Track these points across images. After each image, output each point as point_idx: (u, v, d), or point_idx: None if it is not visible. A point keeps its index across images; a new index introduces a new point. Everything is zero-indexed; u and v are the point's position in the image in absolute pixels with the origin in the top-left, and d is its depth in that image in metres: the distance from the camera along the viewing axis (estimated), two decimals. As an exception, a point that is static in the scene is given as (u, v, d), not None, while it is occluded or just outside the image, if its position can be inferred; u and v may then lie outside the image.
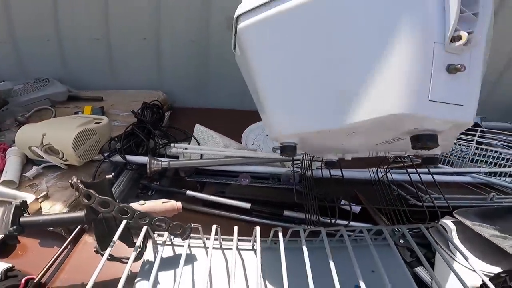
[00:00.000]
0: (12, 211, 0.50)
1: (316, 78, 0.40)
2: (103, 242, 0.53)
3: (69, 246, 0.65)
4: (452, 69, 0.33)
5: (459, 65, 0.32)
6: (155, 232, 0.55)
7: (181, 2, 1.12)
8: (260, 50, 0.43)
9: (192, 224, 0.53)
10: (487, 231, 0.68)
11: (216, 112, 1.24)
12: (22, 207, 0.53)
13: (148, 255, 0.55)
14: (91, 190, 0.46)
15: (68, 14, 1.17)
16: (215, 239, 0.53)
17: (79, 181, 0.48)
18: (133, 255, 0.46)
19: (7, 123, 0.97)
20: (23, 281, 0.55)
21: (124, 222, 0.50)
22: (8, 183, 0.72)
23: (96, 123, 0.83)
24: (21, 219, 0.51)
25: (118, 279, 0.41)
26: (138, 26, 1.19)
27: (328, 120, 0.39)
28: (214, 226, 0.53)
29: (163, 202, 0.57)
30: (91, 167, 0.80)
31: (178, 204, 0.58)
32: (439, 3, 0.32)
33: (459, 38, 0.32)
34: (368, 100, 0.35)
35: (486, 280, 0.44)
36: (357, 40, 0.36)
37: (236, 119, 1.10)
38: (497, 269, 0.58)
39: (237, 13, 0.43)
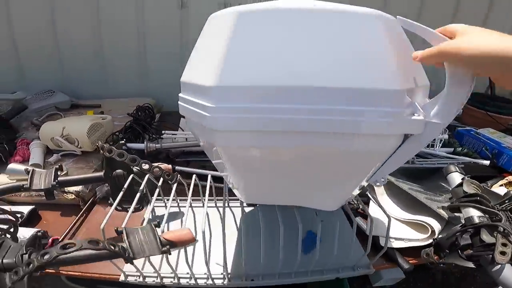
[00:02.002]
0: (53, 172, 0.71)
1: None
2: (116, 196, 0.75)
3: (84, 214, 0.83)
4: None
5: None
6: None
7: (162, 20, 1.39)
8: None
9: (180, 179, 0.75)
10: (406, 186, 0.86)
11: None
12: (59, 170, 0.74)
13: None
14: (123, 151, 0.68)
15: (65, 31, 1.40)
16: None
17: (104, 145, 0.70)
18: (137, 197, 0.68)
19: (23, 126, 1.17)
20: (50, 240, 0.72)
21: (131, 176, 0.72)
22: (35, 166, 0.92)
23: (102, 119, 1.05)
24: (59, 178, 0.72)
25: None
26: (127, 43, 1.43)
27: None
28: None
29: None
30: (98, 154, 1.00)
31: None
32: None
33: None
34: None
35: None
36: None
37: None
38: (416, 217, 0.73)
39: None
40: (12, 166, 0.89)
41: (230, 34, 0.40)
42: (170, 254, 0.50)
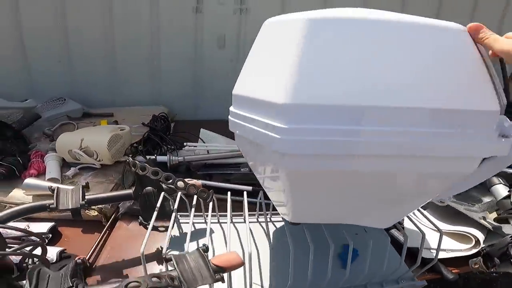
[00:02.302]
0: (80, 190, 0.67)
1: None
2: (146, 214, 0.70)
3: (107, 231, 0.80)
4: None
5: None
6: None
7: (177, 26, 1.35)
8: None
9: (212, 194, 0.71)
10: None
11: (212, 122, 1.44)
12: (85, 188, 0.69)
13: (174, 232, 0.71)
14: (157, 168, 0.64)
15: (75, 32, 1.35)
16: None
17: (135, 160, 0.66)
18: (172, 217, 0.64)
19: (35, 136, 1.12)
20: (76, 259, 0.69)
21: (162, 194, 0.68)
22: (53, 180, 0.87)
23: (120, 130, 1.00)
24: (86, 197, 0.67)
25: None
26: (139, 48, 1.40)
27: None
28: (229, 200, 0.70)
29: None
30: (118, 167, 0.97)
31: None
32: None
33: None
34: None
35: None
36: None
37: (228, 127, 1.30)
38: (459, 228, 0.73)
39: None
40: (29, 181, 0.84)
41: (303, 44, 0.36)
42: (223, 282, 0.46)
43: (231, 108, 0.50)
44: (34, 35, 1.33)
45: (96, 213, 0.78)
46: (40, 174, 0.92)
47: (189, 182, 0.68)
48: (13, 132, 1.04)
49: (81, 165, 0.94)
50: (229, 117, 0.51)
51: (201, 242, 0.72)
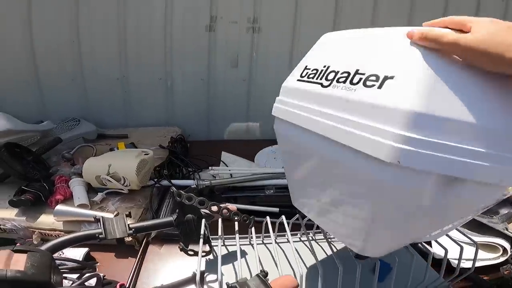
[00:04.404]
0: (124, 219, 0.68)
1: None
2: (187, 240, 0.72)
3: (141, 256, 0.81)
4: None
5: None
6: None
7: (190, 45, 1.38)
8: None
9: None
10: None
11: (225, 142, 1.47)
12: (128, 217, 0.71)
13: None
14: (191, 194, 0.67)
15: (89, 54, 1.36)
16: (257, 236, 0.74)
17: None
18: (219, 243, 0.66)
19: (54, 160, 1.12)
20: (118, 286, 0.67)
21: (203, 221, 0.71)
22: (83, 206, 0.88)
23: (145, 154, 1.02)
24: (131, 225, 0.69)
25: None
26: (153, 67, 1.42)
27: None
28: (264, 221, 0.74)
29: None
30: (144, 191, 0.98)
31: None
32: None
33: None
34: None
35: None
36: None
37: (242, 147, 1.33)
38: (486, 239, 0.79)
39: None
40: (60, 207, 0.85)
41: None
42: (286, 306, 0.49)
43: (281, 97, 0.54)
44: (47, 54, 1.34)
45: (130, 238, 0.79)
46: (67, 199, 0.93)
47: (222, 206, 0.71)
48: (33, 156, 1.04)
49: (107, 190, 0.95)
50: (278, 105, 0.54)
51: (235, 264, 0.74)
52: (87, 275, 0.57)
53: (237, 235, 0.70)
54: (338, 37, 0.52)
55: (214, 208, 0.70)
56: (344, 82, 0.43)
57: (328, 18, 1.40)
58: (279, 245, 0.76)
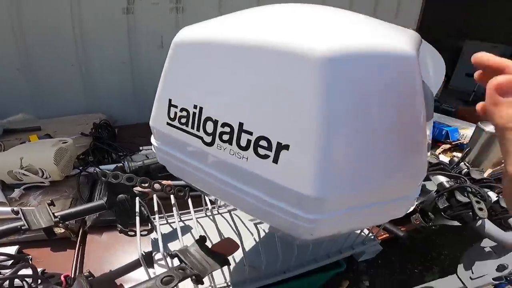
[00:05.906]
0: (47, 208, 0.63)
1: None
2: (125, 222, 0.70)
3: (80, 246, 0.77)
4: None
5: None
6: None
7: (105, 29, 1.28)
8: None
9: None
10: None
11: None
12: (51, 205, 0.65)
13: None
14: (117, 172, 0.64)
15: None
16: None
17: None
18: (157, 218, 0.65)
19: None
20: (62, 277, 0.64)
21: (137, 199, 0.69)
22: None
23: (63, 143, 0.93)
24: (56, 213, 0.64)
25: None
26: (61, 54, 1.28)
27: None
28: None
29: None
30: (69, 181, 0.90)
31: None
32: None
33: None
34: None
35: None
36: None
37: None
38: None
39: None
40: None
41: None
42: (229, 264, 0.51)
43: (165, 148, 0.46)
44: None
45: (62, 230, 0.74)
46: (-25, 201, 0.81)
47: (166, 184, 0.70)
48: None
49: (25, 185, 0.85)
50: (160, 154, 0.49)
51: (185, 238, 0.75)
52: (19, 265, 0.52)
53: (174, 208, 0.70)
54: (199, 45, 0.39)
55: (157, 186, 0.69)
56: (230, 143, 0.34)
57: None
58: (222, 216, 0.77)
